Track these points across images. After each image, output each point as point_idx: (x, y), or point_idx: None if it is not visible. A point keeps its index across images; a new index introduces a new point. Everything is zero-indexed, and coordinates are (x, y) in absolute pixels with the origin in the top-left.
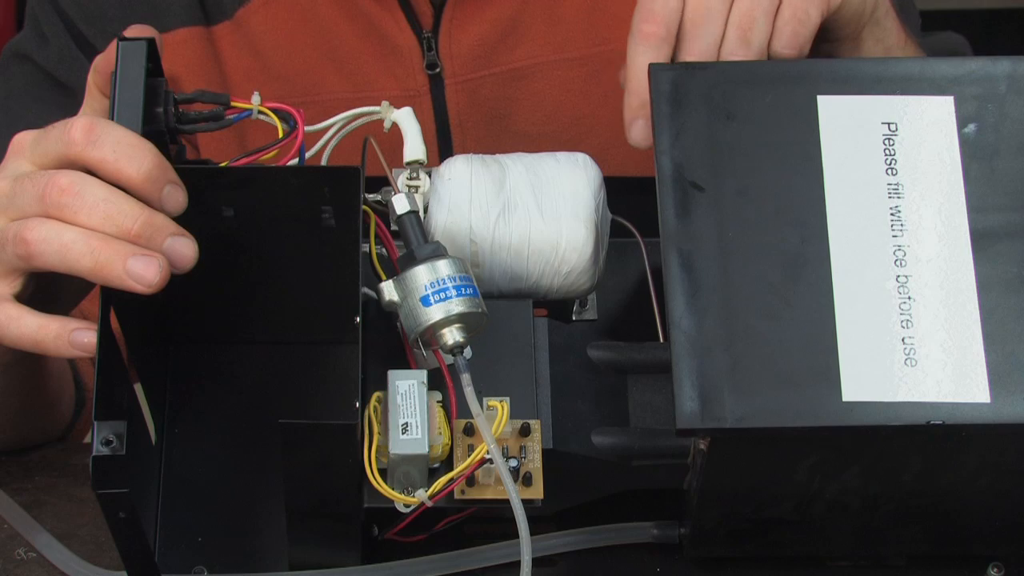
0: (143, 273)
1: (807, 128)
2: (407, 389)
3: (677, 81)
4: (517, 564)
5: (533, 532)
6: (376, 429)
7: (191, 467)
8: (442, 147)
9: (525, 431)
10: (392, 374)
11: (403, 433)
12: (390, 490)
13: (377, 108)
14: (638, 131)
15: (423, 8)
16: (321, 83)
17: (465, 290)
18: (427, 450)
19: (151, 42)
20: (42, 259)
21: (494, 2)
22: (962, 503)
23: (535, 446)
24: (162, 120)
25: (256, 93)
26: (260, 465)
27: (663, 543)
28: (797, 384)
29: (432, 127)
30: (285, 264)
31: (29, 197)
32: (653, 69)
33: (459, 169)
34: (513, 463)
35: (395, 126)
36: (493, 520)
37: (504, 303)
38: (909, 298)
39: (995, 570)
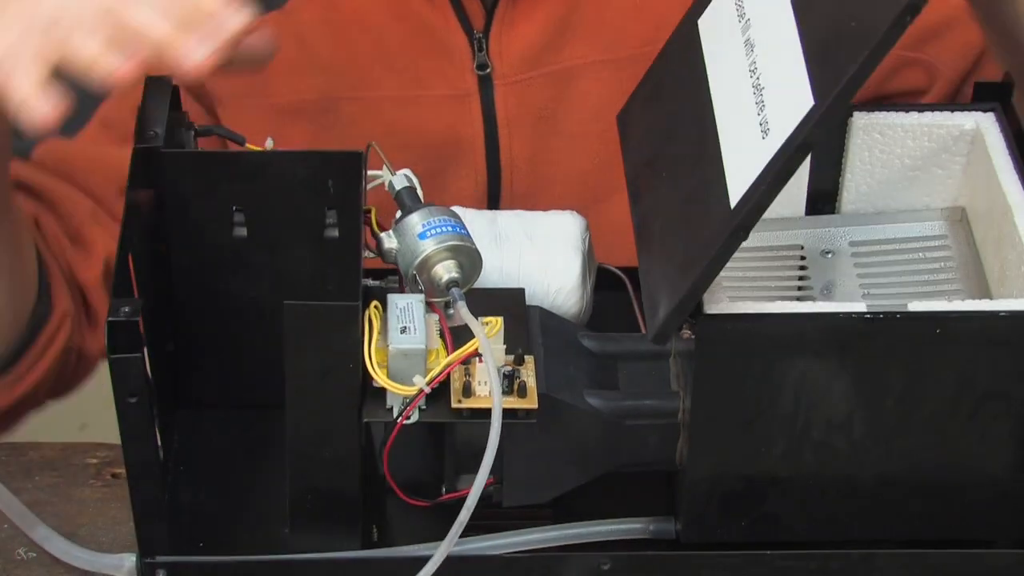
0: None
1: (695, 52)
2: (406, 304)
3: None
4: (515, 558)
5: (531, 525)
6: (376, 329)
7: (195, 457)
8: (489, 149)
9: (520, 360)
10: (391, 296)
11: (402, 333)
12: (389, 381)
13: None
14: None
15: (475, 9)
16: (368, 79)
17: (460, 229)
18: (425, 345)
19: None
20: None
21: (545, 3)
22: (951, 456)
23: (530, 371)
24: (183, 145)
25: (269, 139)
26: (264, 455)
27: (659, 539)
28: None
29: (480, 128)
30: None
31: None
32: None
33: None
34: (508, 370)
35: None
36: (499, 518)
37: (498, 288)
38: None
39: None
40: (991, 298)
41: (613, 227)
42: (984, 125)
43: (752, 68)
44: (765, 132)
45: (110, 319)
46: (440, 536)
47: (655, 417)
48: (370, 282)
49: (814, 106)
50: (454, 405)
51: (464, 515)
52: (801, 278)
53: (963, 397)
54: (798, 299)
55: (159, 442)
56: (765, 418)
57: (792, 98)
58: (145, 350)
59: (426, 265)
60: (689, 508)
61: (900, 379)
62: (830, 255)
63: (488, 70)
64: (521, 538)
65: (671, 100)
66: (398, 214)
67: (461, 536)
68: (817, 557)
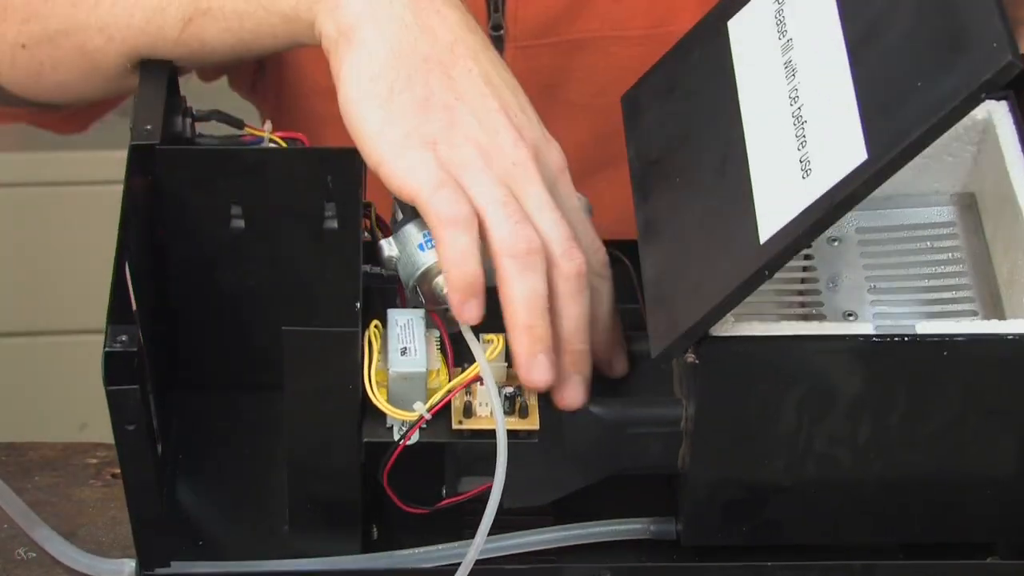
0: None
1: (723, 55)
2: (406, 322)
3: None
4: (514, 567)
5: (530, 526)
6: (376, 350)
7: (195, 448)
8: None
9: None
10: (391, 312)
11: (402, 355)
12: (389, 406)
13: None
14: None
15: None
16: None
17: None
18: (426, 368)
19: (172, 64)
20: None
21: None
22: (955, 465)
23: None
24: (180, 135)
25: (268, 121)
26: (266, 440)
27: (660, 539)
28: None
29: None
30: (289, 283)
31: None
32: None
33: None
34: (509, 391)
35: None
36: (500, 519)
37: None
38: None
39: None
40: (999, 298)
41: (600, 201)
42: (997, 115)
43: (793, 96)
44: (806, 172)
45: (107, 350)
46: (440, 537)
47: (658, 425)
48: (369, 269)
49: (867, 161)
50: (455, 426)
51: (472, 554)
52: (806, 268)
53: (968, 413)
54: (801, 293)
55: (158, 455)
56: (768, 432)
57: (841, 145)
58: (145, 374)
59: (427, 277)
60: (690, 511)
61: (905, 397)
62: (836, 243)
63: (501, 31)
64: (522, 539)
65: (691, 100)
66: (398, 214)
67: (461, 539)
68: (818, 568)
